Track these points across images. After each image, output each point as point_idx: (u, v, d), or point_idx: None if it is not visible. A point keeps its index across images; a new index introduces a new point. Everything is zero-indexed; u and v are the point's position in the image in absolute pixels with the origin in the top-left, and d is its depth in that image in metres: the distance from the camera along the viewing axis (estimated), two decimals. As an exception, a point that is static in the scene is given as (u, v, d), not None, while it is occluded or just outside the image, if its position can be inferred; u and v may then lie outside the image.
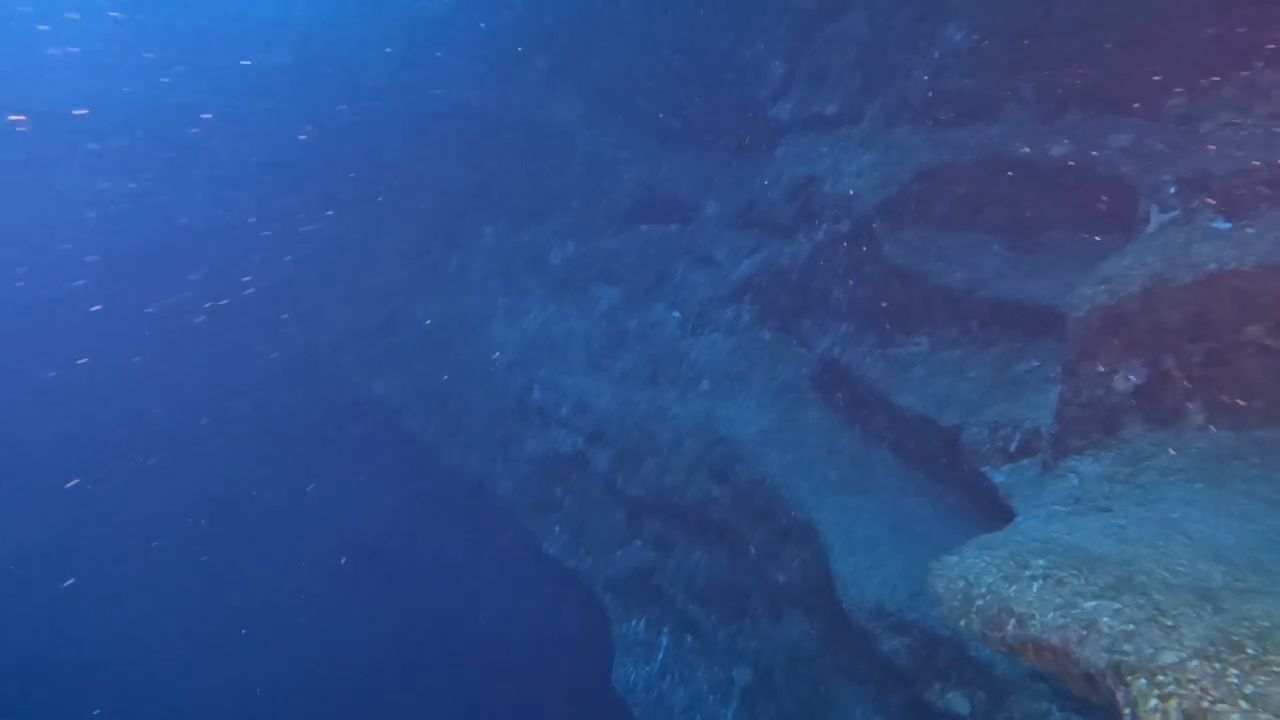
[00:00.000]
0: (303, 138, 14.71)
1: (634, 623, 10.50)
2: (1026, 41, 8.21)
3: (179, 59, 15.38)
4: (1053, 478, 5.37)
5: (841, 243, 9.10)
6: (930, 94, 8.87)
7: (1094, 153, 7.44)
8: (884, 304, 8.60)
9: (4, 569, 12.73)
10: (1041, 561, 3.98)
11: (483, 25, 14.01)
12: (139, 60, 15.41)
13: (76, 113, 14.30)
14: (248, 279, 14.31)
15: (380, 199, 15.35)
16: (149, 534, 13.09)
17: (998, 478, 6.25)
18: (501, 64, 14.15)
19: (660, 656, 9.84)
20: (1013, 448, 6.38)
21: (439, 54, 14.53)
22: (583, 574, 11.58)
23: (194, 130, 14.85)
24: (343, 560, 12.61)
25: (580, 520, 11.67)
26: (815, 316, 9.82)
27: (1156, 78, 7.08)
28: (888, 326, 8.62)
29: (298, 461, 13.52)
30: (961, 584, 4.21)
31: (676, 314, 11.25)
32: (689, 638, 9.77)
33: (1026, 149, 8.02)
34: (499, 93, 14.36)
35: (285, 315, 14.22)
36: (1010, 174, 8.07)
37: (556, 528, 11.78)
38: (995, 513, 6.28)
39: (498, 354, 13.55)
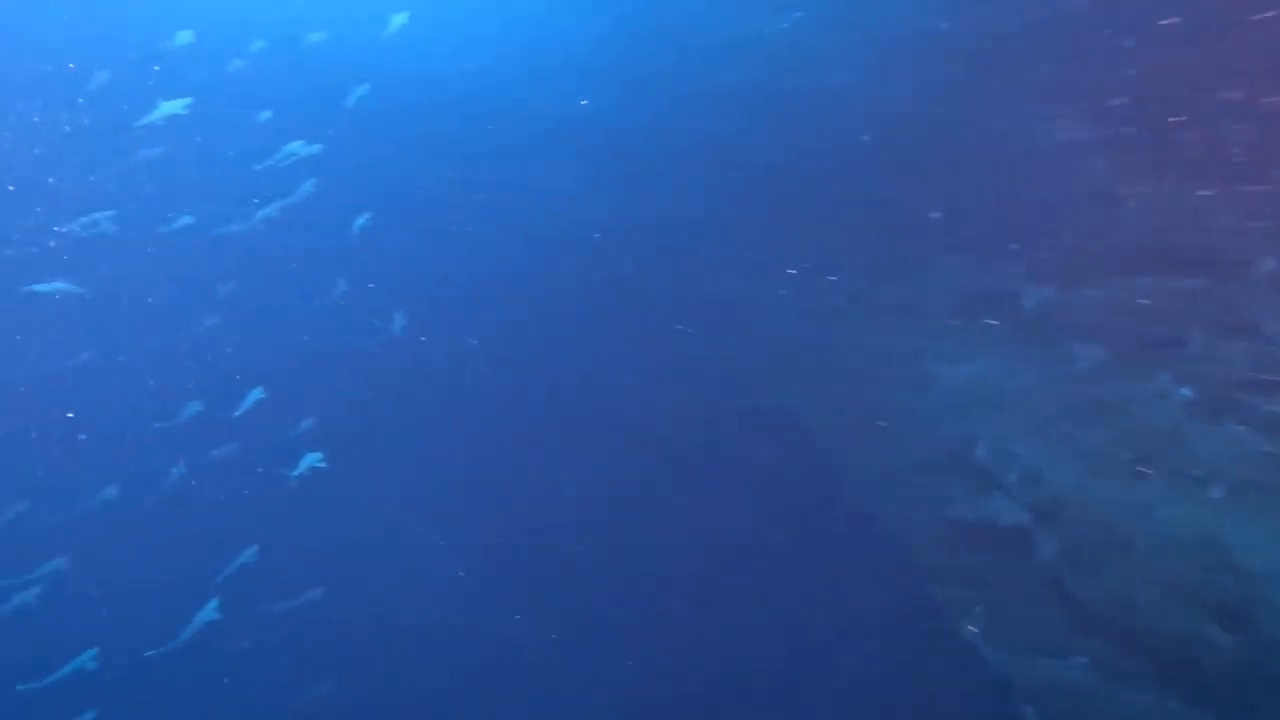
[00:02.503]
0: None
1: (1063, 755, 8.67)
2: None
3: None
4: None
5: None
6: None
7: None
8: None
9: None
10: None
11: (968, 29, 12.58)
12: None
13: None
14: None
15: (809, 210, 14.53)
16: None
17: None
18: (989, 72, 12.60)
19: (1096, 815, 7.94)
20: None
21: (910, 57, 13.38)
22: (999, 670, 9.95)
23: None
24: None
25: (1008, 608, 10.01)
26: None
27: None
28: None
29: (684, 465, 13.60)
30: None
31: (1185, 391, 8.90)
32: (1140, 805, 7.71)
33: None
34: (983, 104, 12.86)
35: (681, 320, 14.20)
36: None
37: (977, 608, 10.26)
38: None
39: (931, 397, 12.28)
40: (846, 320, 13.72)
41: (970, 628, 10.40)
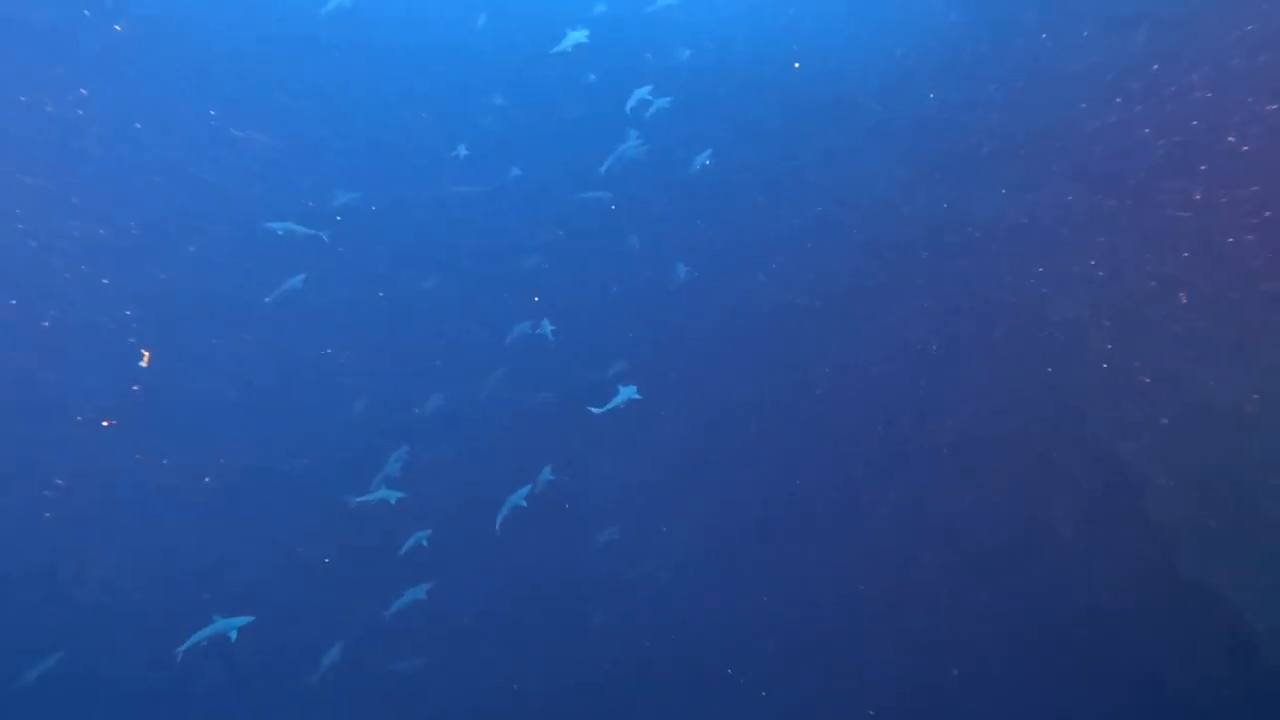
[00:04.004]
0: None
1: None
2: None
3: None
4: None
5: None
6: None
7: None
8: None
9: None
10: None
11: None
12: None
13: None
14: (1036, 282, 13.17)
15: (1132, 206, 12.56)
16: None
17: None
18: None
19: None
20: None
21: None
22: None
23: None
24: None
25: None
26: None
27: None
28: None
29: (1006, 495, 12.51)
30: None
31: None
32: None
33: None
34: None
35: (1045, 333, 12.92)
36: None
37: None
38: None
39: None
40: (1210, 347, 11.92)
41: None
